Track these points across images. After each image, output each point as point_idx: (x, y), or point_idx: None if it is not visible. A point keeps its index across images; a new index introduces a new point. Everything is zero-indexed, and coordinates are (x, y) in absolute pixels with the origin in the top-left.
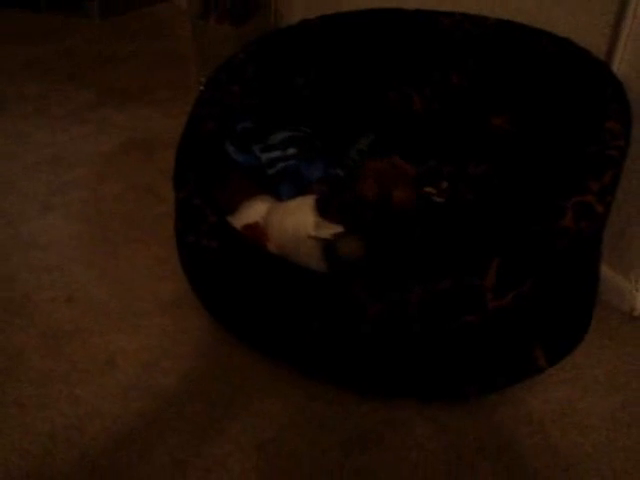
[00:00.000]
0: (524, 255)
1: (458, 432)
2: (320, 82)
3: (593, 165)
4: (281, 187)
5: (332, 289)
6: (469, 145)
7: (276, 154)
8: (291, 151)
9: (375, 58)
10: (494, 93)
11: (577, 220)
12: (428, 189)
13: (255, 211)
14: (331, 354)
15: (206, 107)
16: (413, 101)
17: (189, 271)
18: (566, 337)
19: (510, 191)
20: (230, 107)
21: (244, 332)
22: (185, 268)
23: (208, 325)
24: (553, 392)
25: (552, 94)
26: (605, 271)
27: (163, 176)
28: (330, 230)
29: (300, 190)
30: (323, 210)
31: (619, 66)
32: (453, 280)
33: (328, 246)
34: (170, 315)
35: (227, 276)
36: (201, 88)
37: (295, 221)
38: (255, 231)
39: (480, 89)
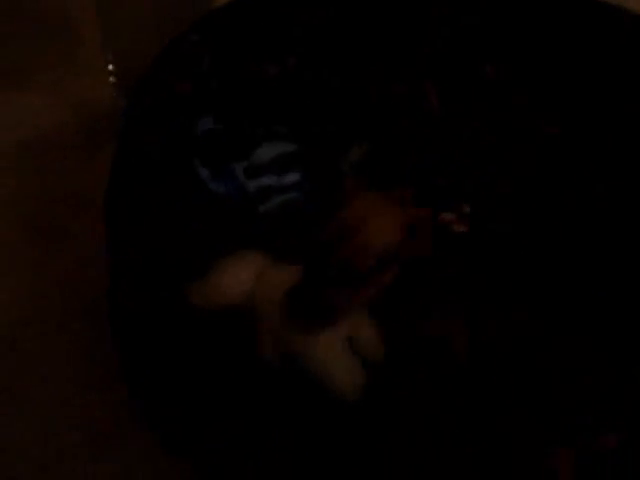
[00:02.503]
0: None
1: None
2: (301, 71)
3: None
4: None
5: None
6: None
7: (269, 180)
8: (292, 177)
9: (377, 38)
10: (547, 92)
11: None
12: (446, 215)
13: (234, 283)
14: None
15: (142, 126)
16: (427, 97)
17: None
18: None
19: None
20: (181, 118)
21: None
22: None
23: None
24: None
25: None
26: None
27: (64, 203)
28: None
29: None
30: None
31: None
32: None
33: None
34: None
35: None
36: (110, 68)
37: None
38: (239, 319)
39: (526, 84)
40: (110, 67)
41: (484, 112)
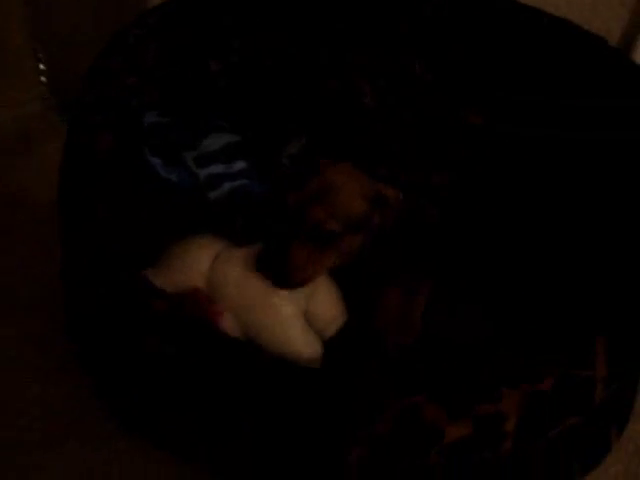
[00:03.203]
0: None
1: None
2: (242, 67)
3: None
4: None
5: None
6: (433, 149)
7: (218, 169)
8: (239, 165)
9: (316, 35)
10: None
11: None
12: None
13: (192, 266)
14: None
15: (89, 119)
16: (362, 93)
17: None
18: None
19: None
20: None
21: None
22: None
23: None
24: None
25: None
26: None
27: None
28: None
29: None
30: None
31: None
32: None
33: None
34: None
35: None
36: (41, 67)
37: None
38: (195, 302)
39: (455, 78)
40: (41, 66)
41: (414, 106)
